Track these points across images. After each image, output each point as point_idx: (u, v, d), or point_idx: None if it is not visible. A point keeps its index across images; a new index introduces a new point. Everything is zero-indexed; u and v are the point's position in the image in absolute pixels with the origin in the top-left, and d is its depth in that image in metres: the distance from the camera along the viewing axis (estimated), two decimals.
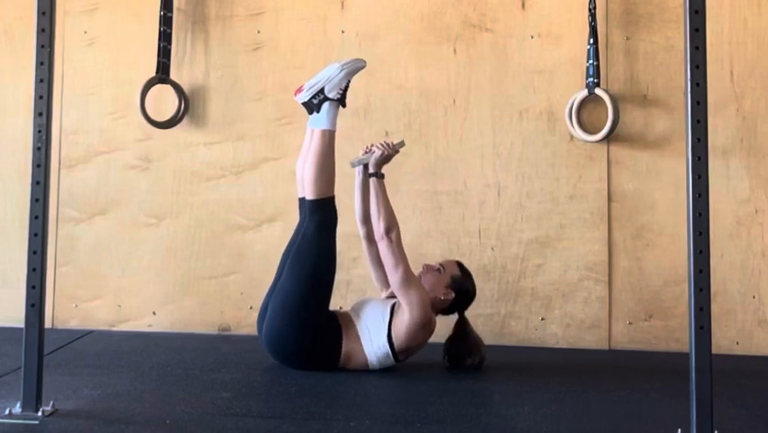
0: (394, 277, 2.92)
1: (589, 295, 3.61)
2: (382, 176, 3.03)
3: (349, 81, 3.07)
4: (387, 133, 3.73)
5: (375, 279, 3.24)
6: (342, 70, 3.04)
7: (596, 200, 3.63)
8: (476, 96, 3.72)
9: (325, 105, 3.05)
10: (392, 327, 2.93)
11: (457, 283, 3.05)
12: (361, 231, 3.20)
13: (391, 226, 2.95)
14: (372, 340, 2.94)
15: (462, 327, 3.10)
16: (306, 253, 2.99)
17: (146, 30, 3.82)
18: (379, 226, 2.96)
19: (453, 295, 3.03)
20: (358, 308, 3.06)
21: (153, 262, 3.84)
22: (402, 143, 3.12)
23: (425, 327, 2.93)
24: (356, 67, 3.08)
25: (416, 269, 3.06)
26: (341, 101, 3.07)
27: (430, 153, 3.72)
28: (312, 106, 3.07)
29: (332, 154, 3.04)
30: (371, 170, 3.04)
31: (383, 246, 2.95)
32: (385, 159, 3.05)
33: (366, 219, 3.14)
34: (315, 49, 3.80)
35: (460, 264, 3.13)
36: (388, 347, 2.93)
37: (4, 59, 3.94)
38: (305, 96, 3.07)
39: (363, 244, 3.22)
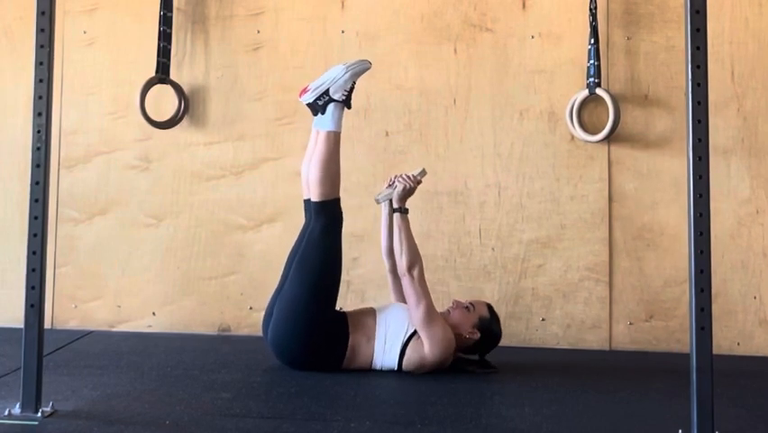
0: (416, 314, 2.92)
1: (590, 295, 3.60)
2: (406, 211, 3.04)
3: (354, 83, 3.06)
4: (387, 133, 3.73)
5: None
6: (347, 72, 3.03)
7: (596, 201, 3.62)
8: (476, 96, 3.71)
9: (330, 107, 3.04)
10: (407, 348, 2.93)
11: (484, 324, 3.03)
12: (386, 264, 3.19)
13: (414, 263, 2.95)
14: (386, 349, 2.94)
15: (477, 364, 3.07)
16: (311, 255, 2.98)
17: (146, 30, 3.82)
18: (401, 263, 2.96)
19: (479, 336, 3.01)
20: (387, 308, 3.05)
21: (153, 263, 3.83)
22: (423, 172, 3.11)
23: (441, 364, 2.94)
24: (361, 68, 3.07)
25: (437, 299, 3.05)
26: (346, 102, 3.06)
27: (430, 153, 3.72)
28: (317, 108, 3.06)
29: (337, 156, 3.03)
30: (395, 205, 3.04)
31: (405, 283, 2.95)
32: (408, 192, 3.05)
33: (391, 253, 3.13)
34: (315, 49, 3.80)
35: (490, 307, 3.12)
36: (396, 363, 2.94)
37: (3, 59, 3.94)
38: (310, 97, 3.06)
39: (388, 277, 3.21)
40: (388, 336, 2.95)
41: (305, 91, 3.07)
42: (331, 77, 3.03)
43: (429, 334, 2.90)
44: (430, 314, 2.92)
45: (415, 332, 2.94)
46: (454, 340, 2.96)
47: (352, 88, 3.06)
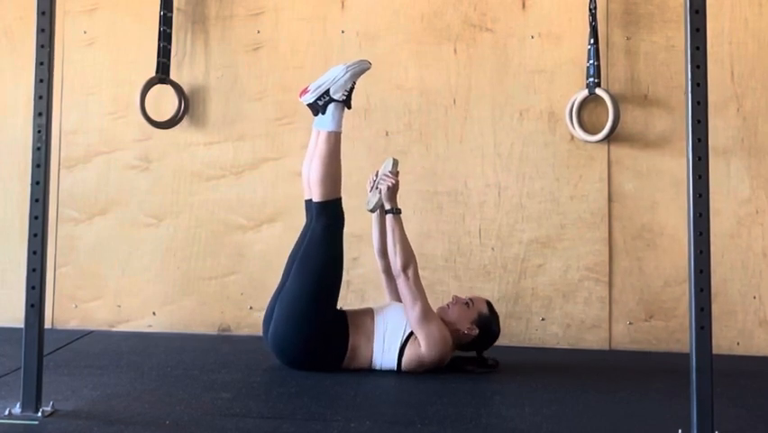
0: (412, 314, 2.92)
1: (590, 295, 3.60)
2: (399, 211, 3.04)
3: (354, 83, 3.06)
4: (387, 133, 3.73)
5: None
6: (347, 72, 3.03)
7: (596, 200, 3.62)
8: (476, 96, 3.71)
9: (331, 107, 3.04)
10: (405, 349, 2.93)
11: (483, 320, 3.04)
12: (379, 264, 3.21)
13: (408, 263, 2.95)
14: (384, 348, 2.95)
15: (476, 363, 3.07)
16: (312, 255, 2.99)
17: (146, 30, 3.82)
18: (395, 263, 2.97)
19: (477, 332, 3.01)
20: (385, 308, 3.05)
21: (153, 263, 3.83)
22: (396, 163, 3.10)
23: (438, 363, 2.94)
24: (361, 68, 3.07)
25: (432, 296, 3.06)
26: (346, 102, 3.06)
27: (430, 153, 3.72)
28: (317, 108, 3.06)
29: (338, 156, 3.04)
30: (386, 206, 3.04)
31: (400, 283, 2.95)
32: (394, 190, 3.05)
33: (384, 253, 3.14)
34: (315, 49, 3.80)
35: (489, 303, 3.12)
36: (395, 363, 2.94)
37: (3, 59, 3.94)
38: (310, 97, 3.06)
39: (382, 277, 3.22)
40: (387, 336, 2.96)
41: (305, 92, 3.08)
42: (331, 77, 3.03)
43: (425, 333, 2.90)
44: (426, 313, 2.92)
45: (412, 332, 2.94)
46: (451, 339, 2.96)
47: (352, 89, 3.06)
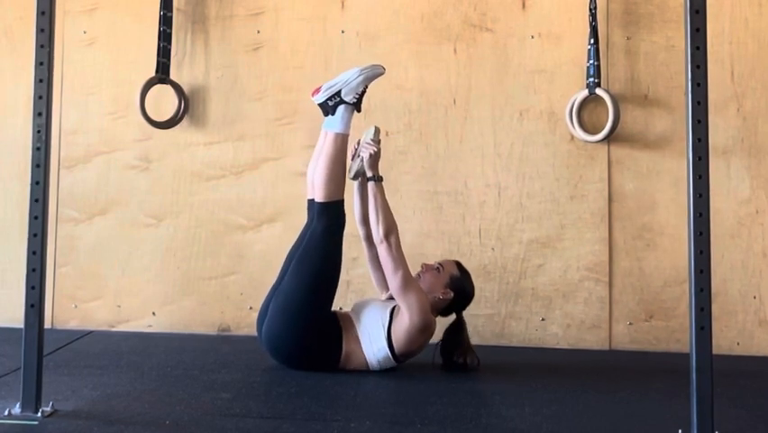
0: (393, 281, 2.91)
1: (590, 295, 3.60)
2: (381, 178, 3.02)
3: (366, 87, 3.07)
4: (387, 133, 3.72)
5: (375, 280, 3.23)
6: (360, 75, 3.04)
7: (596, 200, 3.62)
8: (476, 96, 3.71)
9: (340, 109, 3.05)
10: (392, 331, 2.92)
11: (456, 283, 3.05)
12: (360, 232, 3.20)
13: (390, 230, 2.94)
14: (372, 342, 2.93)
15: (458, 326, 3.09)
16: (311, 255, 2.98)
17: (146, 30, 3.82)
18: (377, 230, 2.95)
19: (452, 295, 3.03)
20: (358, 309, 3.05)
21: (153, 263, 3.83)
22: (377, 131, 3.08)
23: (425, 330, 2.93)
24: (374, 73, 3.07)
25: (416, 269, 3.06)
26: (356, 105, 3.07)
27: (430, 153, 3.72)
28: (327, 108, 3.07)
29: (343, 158, 3.04)
30: (368, 174, 3.03)
31: (382, 250, 2.94)
32: (376, 158, 3.03)
33: (365, 221, 3.14)
34: (315, 49, 3.80)
35: (458, 264, 3.13)
36: (387, 350, 2.92)
37: (4, 59, 3.94)
38: (321, 97, 3.07)
39: (363, 245, 3.22)
40: (369, 330, 2.94)
41: (317, 91, 3.09)
42: (344, 79, 3.04)
43: (407, 300, 2.88)
44: (407, 280, 2.91)
45: (392, 315, 2.93)
46: (429, 305, 2.95)
47: (363, 92, 3.07)
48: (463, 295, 3.08)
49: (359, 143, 3.11)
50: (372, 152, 3.02)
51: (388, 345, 2.92)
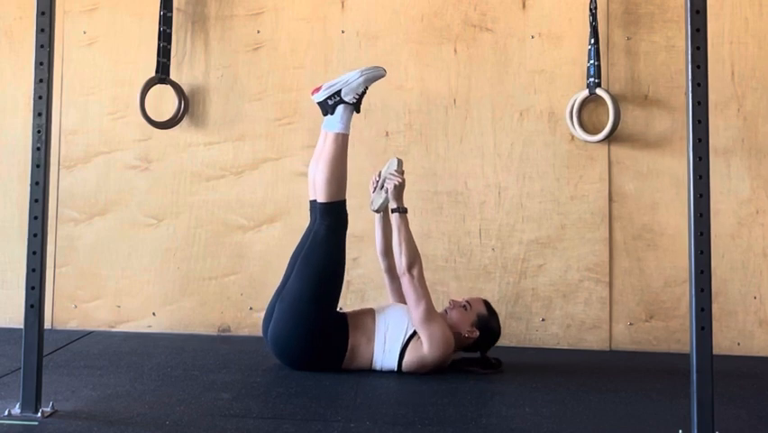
0: (416, 313, 2.91)
1: (590, 296, 3.60)
2: (405, 210, 3.02)
3: (366, 88, 3.07)
4: (387, 133, 3.73)
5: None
6: (361, 76, 3.04)
7: (597, 201, 3.62)
8: (476, 96, 3.71)
9: (340, 108, 3.05)
10: (408, 349, 2.93)
11: (482, 322, 3.04)
12: (382, 264, 3.20)
13: (414, 262, 2.94)
14: (385, 344, 2.94)
15: (482, 364, 3.06)
16: (315, 256, 2.99)
17: (146, 30, 3.82)
18: (401, 262, 2.95)
19: (478, 334, 3.01)
20: (387, 310, 3.04)
21: (153, 263, 3.83)
22: (399, 163, 3.09)
23: (440, 364, 2.94)
24: (375, 74, 3.07)
25: (435, 296, 3.04)
26: (355, 106, 3.07)
27: (430, 154, 3.72)
28: (327, 107, 3.07)
29: (344, 158, 3.04)
30: (393, 205, 3.02)
31: (405, 282, 2.94)
32: (401, 189, 3.03)
33: (387, 252, 3.14)
34: (315, 49, 3.80)
35: (486, 303, 3.12)
36: (395, 362, 2.94)
37: (3, 59, 3.93)
38: (321, 95, 3.07)
39: (384, 277, 3.22)
40: (388, 337, 2.95)
41: (317, 90, 3.09)
42: (344, 79, 3.05)
43: (428, 334, 2.90)
44: (430, 313, 2.91)
45: (414, 333, 2.94)
46: (453, 340, 2.96)
47: (363, 93, 3.07)
48: (489, 334, 3.06)
49: (379, 175, 3.11)
50: (397, 183, 3.03)
51: (399, 359, 2.92)
